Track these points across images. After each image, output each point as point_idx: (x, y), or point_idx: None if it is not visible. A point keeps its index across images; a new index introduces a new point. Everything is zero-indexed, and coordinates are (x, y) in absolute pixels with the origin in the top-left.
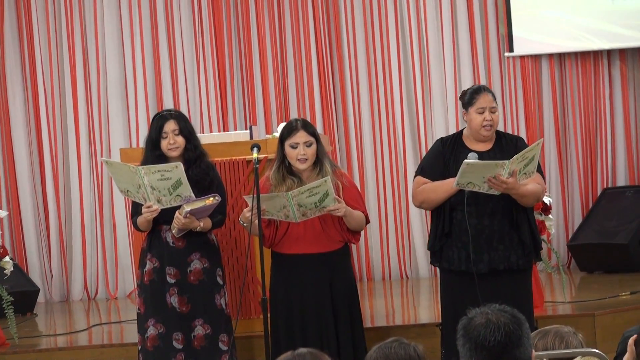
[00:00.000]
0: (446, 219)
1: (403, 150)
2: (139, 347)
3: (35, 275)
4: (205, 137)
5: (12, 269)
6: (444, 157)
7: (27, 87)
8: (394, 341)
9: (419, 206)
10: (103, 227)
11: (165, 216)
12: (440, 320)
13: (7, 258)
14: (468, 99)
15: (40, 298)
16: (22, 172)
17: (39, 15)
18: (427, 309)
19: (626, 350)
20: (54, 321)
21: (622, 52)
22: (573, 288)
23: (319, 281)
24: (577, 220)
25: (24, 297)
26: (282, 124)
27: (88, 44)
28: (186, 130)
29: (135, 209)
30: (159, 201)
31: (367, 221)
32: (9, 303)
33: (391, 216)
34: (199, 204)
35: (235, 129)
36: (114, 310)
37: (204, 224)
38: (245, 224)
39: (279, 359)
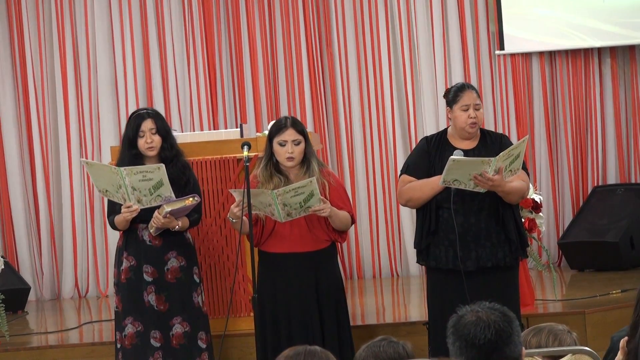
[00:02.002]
0: (432, 217)
1: (393, 147)
2: (118, 346)
3: (26, 273)
4: (196, 135)
5: (2, 266)
6: (429, 155)
7: (18, 84)
8: (383, 340)
9: (405, 204)
10: (94, 225)
11: (142, 215)
12: (427, 319)
13: None
14: (452, 96)
15: (31, 296)
16: (12, 169)
17: (29, 12)
18: (417, 306)
19: (615, 348)
20: (45, 319)
21: (613, 50)
22: (564, 286)
23: (305, 280)
24: (568, 218)
25: (15, 295)
26: (273, 122)
27: (78, 41)
28: (163, 129)
29: (112, 208)
30: (139, 201)
31: (353, 221)
32: (0, 301)
33: (381, 213)
34: (178, 204)
35: (226, 127)
36: (105, 308)
37: (181, 223)
38: (233, 220)
39: (291, 349)
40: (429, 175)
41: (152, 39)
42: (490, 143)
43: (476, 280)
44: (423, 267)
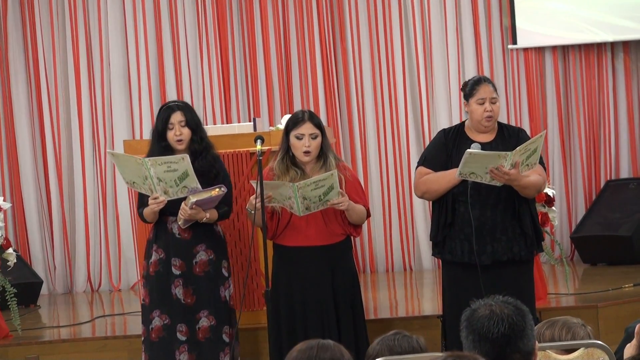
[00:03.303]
0: (448, 210)
1: (406, 142)
2: (143, 338)
3: (38, 267)
4: (209, 129)
5: (15, 260)
6: (447, 148)
7: (31, 79)
8: (397, 334)
9: (421, 196)
10: (106, 219)
11: (172, 207)
12: (442, 312)
13: (10, 250)
14: (469, 90)
15: (44, 290)
16: (25, 163)
17: (42, 6)
18: (430, 300)
19: (630, 339)
20: (57, 313)
21: (626, 45)
22: (576, 280)
23: (320, 274)
24: (581, 212)
25: (27, 289)
26: (286, 116)
27: (91, 35)
28: (192, 121)
29: (142, 200)
30: (165, 192)
31: (368, 215)
32: (12, 295)
33: (394, 208)
34: (204, 195)
35: (239, 121)
36: (117, 302)
37: (210, 215)
38: (252, 212)
39: (304, 343)
40: (446, 167)
41: (165, 33)
42: (508, 137)
43: (491, 274)
44: (437, 260)
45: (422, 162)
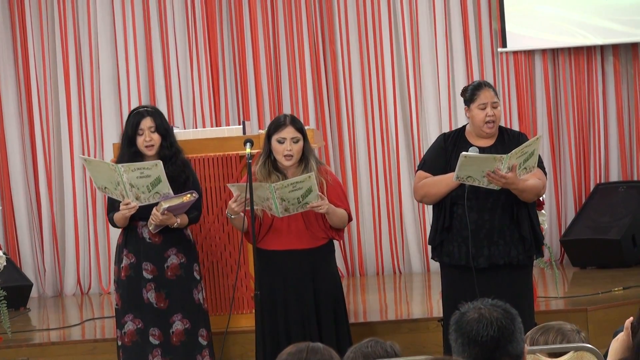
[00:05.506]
0: (447, 214)
1: (396, 145)
2: (119, 343)
3: (28, 270)
4: (198, 132)
5: (4, 263)
6: (446, 152)
7: (20, 82)
8: (370, 340)
9: (420, 200)
10: (96, 221)
11: (142, 212)
12: (442, 315)
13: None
14: (469, 95)
15: (33, 293)
16: (15, 166)
17: (32, 9)
18: (419, 304)
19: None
20: (47, 316)
21: (616, 48)
22: (566, 283)
23: (302, 277)
24: (570, 215)
25: (17, 291)
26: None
27: (81, 39)
28: (162, 127)
29: (112, 205)
30: (137, 198)
31: (350, 219)
32: (2, 298)
33: (384, 211)
34: (176, 201)
35: (228, 124)
36: (107, 305)
37: (180, 220)
38: (232, 217)
39: (293, 346)
40: (445, 172)
41: (154, 36)
42: (508, 141)
43: (489, 278)
44: (427, 264)
45: (422, 166)
